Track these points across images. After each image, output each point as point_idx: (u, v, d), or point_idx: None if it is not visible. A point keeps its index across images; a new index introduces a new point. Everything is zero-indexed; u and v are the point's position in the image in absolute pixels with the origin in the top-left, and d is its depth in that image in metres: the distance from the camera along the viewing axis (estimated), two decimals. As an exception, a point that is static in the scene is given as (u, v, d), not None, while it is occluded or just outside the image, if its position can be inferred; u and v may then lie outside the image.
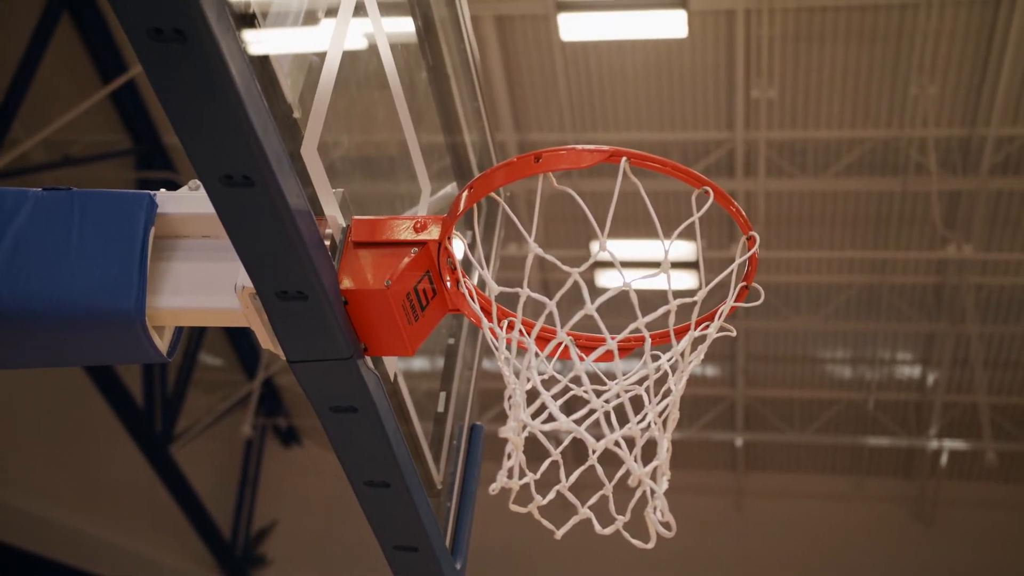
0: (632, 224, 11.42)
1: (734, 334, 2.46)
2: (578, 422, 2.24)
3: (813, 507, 14.74)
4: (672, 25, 10.42)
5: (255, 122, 2.02)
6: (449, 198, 3.41)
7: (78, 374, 11.31)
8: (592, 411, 2.29)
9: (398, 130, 2.97)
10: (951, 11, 10.50)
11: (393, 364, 2.82)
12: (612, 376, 2.48)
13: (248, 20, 2.26)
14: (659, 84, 11.49)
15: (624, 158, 2.26)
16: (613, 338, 2.36)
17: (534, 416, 2.31)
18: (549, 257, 2.30)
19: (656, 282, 2.36)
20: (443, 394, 3.36)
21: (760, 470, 15.13)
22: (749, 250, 2.41)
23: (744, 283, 2.47)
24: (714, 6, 10.65)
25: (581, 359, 2.33)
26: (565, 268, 2.28)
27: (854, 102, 11.38)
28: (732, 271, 2.38)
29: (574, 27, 10.70)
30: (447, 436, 3.32)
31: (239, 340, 14.13)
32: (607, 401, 2.30)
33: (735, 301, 2.44)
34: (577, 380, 2.38)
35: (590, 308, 2.27)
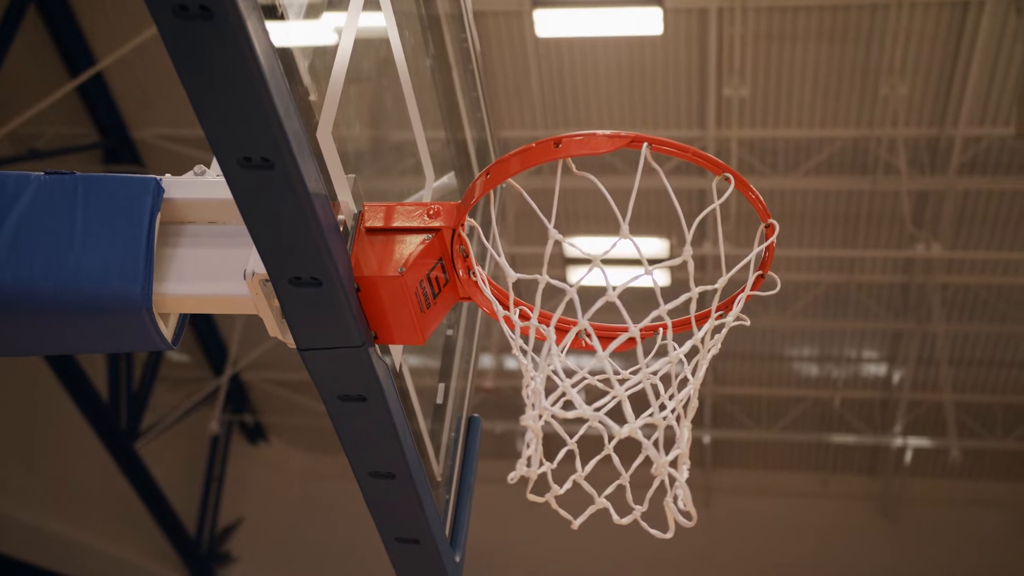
0: (604, 221, 11.46)
1: (748, 323, 2.45)
2: (597, 411, 2.22)
3: (779, 504, 14.82)
4: (648, 22, 10.44)
5: (277, 103, 1.98)
6: (447, 188, 3.38)
7: (42, 368, 11.15)
8: (613, 400, 2.26)
9: (404, 118, 2.94)
10: (921, 13, 10.59)
11: (399, 354, 2.79)
12: (624, 368, 2.46)
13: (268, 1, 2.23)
14: (632, 81, 11.51)
15: (646, 143, 2.24)
16: (636, 326, 2.34)
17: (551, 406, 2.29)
18: (568, 242, 2.27)
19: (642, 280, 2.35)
20: (442, 386, 3.33)
21: (727, 467, 15.19)
22: (767, 239, 2.39)
23: (760, 272, 2.46)
24: (688, 4, 10.68)
25: (603, 348, 2.30)
26: (585, 253, 2.26)
27: (825, 101, 11.45)
28: (750, 259, 2.37)
29: (550, 23, 10.69)
30: (446, 428, 3.30)
31: (206, 337, 14.00)
32: (627, 390, 2.27)
33: (751, 290, 2.43)
34: (589, 369, 2.36)
35: (612, 295, 2.25)
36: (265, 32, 1.95)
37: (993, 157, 11.52)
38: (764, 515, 14.74)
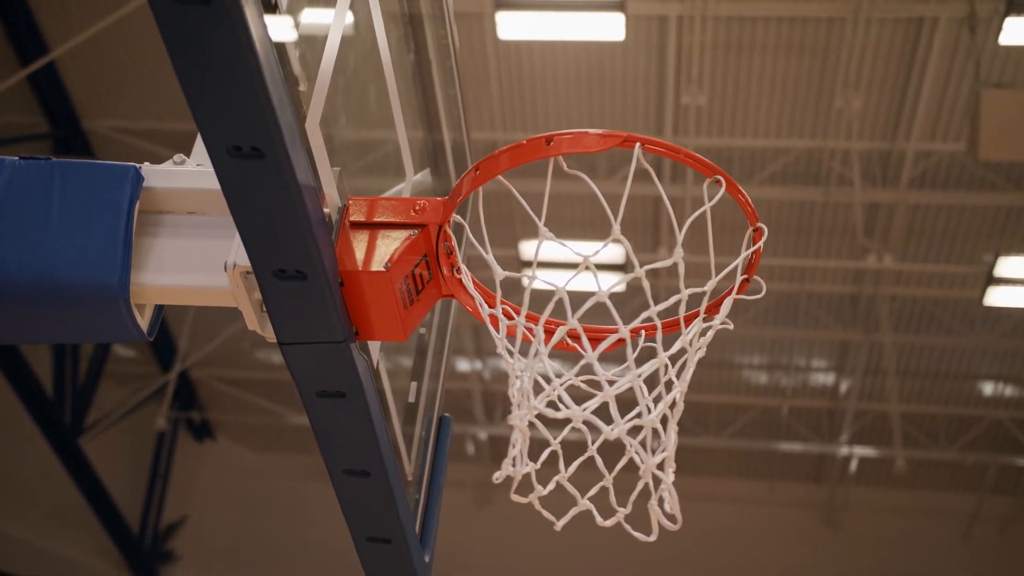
0: (561, 224, 11.47)
1: (731, 327, 2.46)
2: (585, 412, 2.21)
3: (725, 510, 14.91)
4: (609, 28, 10.46)
5: (272, 92, 1.95)
6: (422, 185, 3.36)
7: (-15, 360, 10.97)
8: (598, 401, 2.25)
9: (386, 113, 2.91)
10: (876, 28, 10.72)
11: (376, 352, 2.76)
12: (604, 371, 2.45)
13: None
14: (591, 87, 11.53)
15: (638, 144, 2.23)
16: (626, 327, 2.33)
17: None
18: (559, 242, 2.26)
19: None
20: (414, 384, 3.31)
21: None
22: (755, 243, 2.40)
23: (745, 276, 2.46)
24: (649, 11, 10.72)
25: (592, 349, 2.29)
26: (576, 253, 2.25)
27: (780, 112, 11.55)
28: (738, 264, 2.38)
29: (512, 25, 10.67)
30: (418, 427, 3.27)
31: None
32: (614, 391, 2.26)
33: (737, 294, 2.44)
34: (576, 371, 2.35)
35: (603, 295, 2.24)
36: (262, 19, 1.92)
37: (943, 172, 11.68)
38: (710, 521, 14.81)
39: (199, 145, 2.65)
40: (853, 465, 14.64)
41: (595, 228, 11.69)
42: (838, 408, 14.10)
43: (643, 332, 2.47)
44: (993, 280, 11.94)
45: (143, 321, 2.51)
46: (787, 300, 13.07)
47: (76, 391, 12.26)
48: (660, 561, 14.21)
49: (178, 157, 2.59)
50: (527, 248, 11.82)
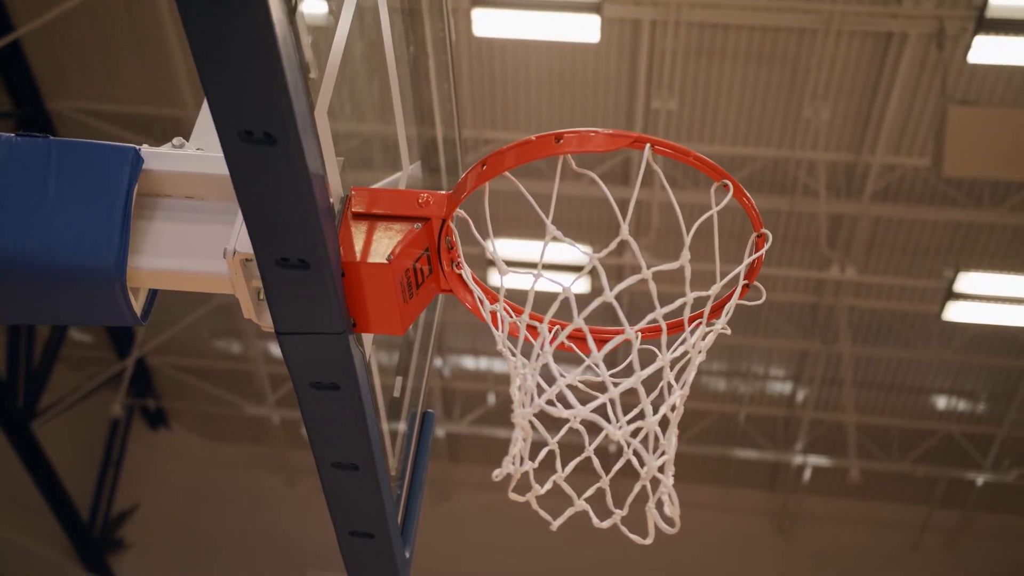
0: (527, 225, 11.45)
1: (729, 332, 2.46)
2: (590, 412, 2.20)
3: (680, 515, 14.97)
4: (585, 29, 10.46)
5: (289, 78, 1.92)
6: (412, 178, 3.33)
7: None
8: (599, 401, 2.25)
9: (386, 104, 2.89)
10: (846, 40, 10.81)
11: (368, 346, 2.74)
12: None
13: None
14: (563, 87, 11.54)
15: (648, 145, 2.23)
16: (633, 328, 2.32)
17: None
18: (567, 240, 2.25)
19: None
20: (399, 379, 3.29)
21: (632, 477, 15.31)
22: (759, 249, 2.40)
23: (746, 281, 2.47)
24: (624, 15, 10.74)
25: (598, 349, 2.29)
26: (583, 251, 2.24)
27: (749, 120, 11.61)
28: (740, 270, 2.38)
29: (487, 22, 10.63)
30: (402, 422, 3.25)
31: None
32: (619, 393, 2.26)
33: (738, 299, 2.44)
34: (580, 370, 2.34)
35: (609, 296, 2.24)
36: (282, 2, 1.89)
37: (906, 186, 11.80)
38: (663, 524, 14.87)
39: (199, 129, 2.61)
40: (807, 474, 14.77)
41: (568, 229, 11.72)
42: (794, 417, 14.21)
43: (639, 334, 2.46)
44: (953, 295, 12.08)
45: (137, 305, 2.48)
46: (747, 307, 13.06)
47: (30, 374, 12.08)
48: (611, 563, 14.25)
49: (177, 140, 2.55)
50: (498, 246, 11.79)
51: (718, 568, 14.56)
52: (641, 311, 2.45)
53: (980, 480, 14.34)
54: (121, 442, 14.26)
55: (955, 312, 12.35)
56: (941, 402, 14.02)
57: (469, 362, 14.55)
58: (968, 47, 10.19)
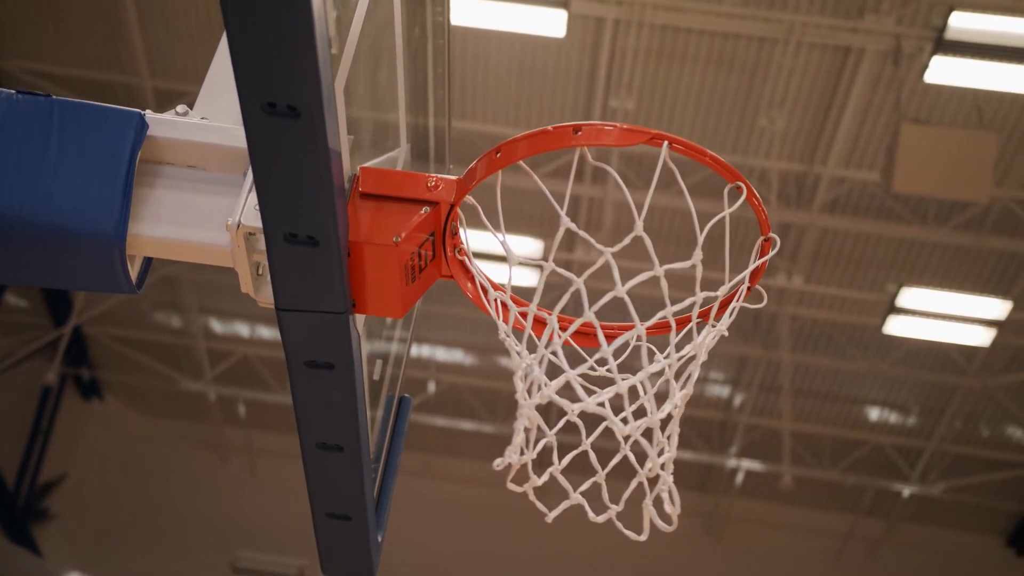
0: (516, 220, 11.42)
1: (727, 335, 2.48)
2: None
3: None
4: (551, 24, 10.44)
5: (319, 50, 1.90)
6: (393, 161, 3.30)
7: None
8: (606, 393, 2.25)
9: (386, 84, 2.87)
10: (805, 51, 10.92)
11: (361, 326, 2.71)
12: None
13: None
14: (521, 80, 11.53)
15: (666, 143, 2.24)
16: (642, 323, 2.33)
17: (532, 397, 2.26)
18: (582, 233, 2.25)
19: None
20: (379, 362, 3.26)
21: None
22: (766, 252, 2.42)
23: (748, 284, 2.49)
24: (589, 12, 10.75)
25: (608, 342, 2.29)
26: (598, 247, 2.24)
27: (705, 124, 11.70)
28: (745, 275, 2.40)
29: (457, 11, 10.56)
30: (380, 405, 3.23)
31: (51, 283, 13.39)
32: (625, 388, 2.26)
33: (736, 301, 2.46)
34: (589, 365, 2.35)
35: (620, 291, 2.24)
36: (316, -27, 1.86)
37: (855, 200, 11.97)
38: (592, 522, 14.95)
39: (203, 97, 2.57)
40: (740, 478, 14.94)
41: (515, 222, 11.77)
42: (730, 420, 14.36)
43: (634, 333, 2.47)
44: (895, 309, 12.28)
45: (132, 273, 2.43)
46: (690, 309, 13.23)
47: (-40, 338, 11.85)
48: (546, 560, 14.33)
49: (180, 107, 2.51)
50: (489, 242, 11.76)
51: (648, 566, 14.67)
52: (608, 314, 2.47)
53: (906, 492, 14.61)
54: (52, 411, 14.00)
55: (895, 326, 12.56)
56: (874, 413, 14.27)
57: (412, 349, 14.49)
58: (925, 66, 10.34)
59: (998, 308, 12.28)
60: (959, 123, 11.02)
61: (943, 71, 10.24)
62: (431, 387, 14.31)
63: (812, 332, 13.31)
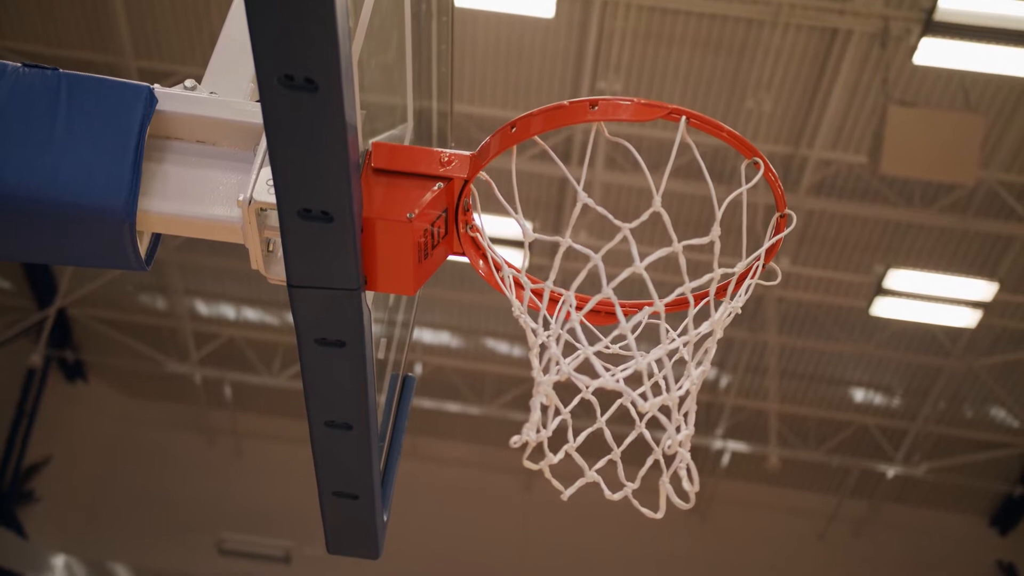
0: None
1: (740, 312, 2.47)
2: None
3: (595, 492, 15.09)
4: (541, 4, 10.39)
5: (339, 20, 1.87)
6: (398, 139, 3.28)
7: None
8: (627, 369, 2.24)
9: (398, 59, 2.84)
10: (793, 33, 10.91)
11: (370, 303, 2.69)
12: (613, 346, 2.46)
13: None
14: (508, 60, 11.49)
15: (684, 117, 2.22)
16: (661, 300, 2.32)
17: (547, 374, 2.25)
18: (600, 209, 2.24)
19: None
20: (384, 341, 3.24)
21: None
22: (782, 229, 2.41)
23: (763, 262, 2.48)
24: (577, -8, 10.74)
25: (624, 319, 2.28)
26: (616, 222, 2.22)
27: (691, 106, 11.44)
28: (762, 251, 2.39)
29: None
30: (385, 384, 3.21)
31: (35, 265, 13.32)
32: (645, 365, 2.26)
33: (750, 277, 2.46)
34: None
35: (639, 267, 2.23)
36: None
37: (840, 182, 11.99)
38: (580, 503, 14.99)
39: (212, 72, 2.54)
40: (726, 459, 15.00)
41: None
42: (716, 402, 14.40)
43: (645, 308, 2.47)
44: (881, 291, 12.32)
45: (141, 249, 2.40)
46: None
47: (-55, 319, 11.77)
48: (534, 542, 14.36)
49: (189, 82, 2.48)
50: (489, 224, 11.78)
51: (635, 547, 14.72)
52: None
53: (891, 472, 14.70)
54: (37, 393, 13.93)
55: (882, 308, 12.60)
56: (859, 395, 14.34)
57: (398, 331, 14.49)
58: (913, 48, 10.33)
59: (983, 290, 12.34)
60: (945, 105, 11.03)
61: (931, 53, 10.23)
62: (418, 368, 14.30)
63: (798, 314, 13.34)
